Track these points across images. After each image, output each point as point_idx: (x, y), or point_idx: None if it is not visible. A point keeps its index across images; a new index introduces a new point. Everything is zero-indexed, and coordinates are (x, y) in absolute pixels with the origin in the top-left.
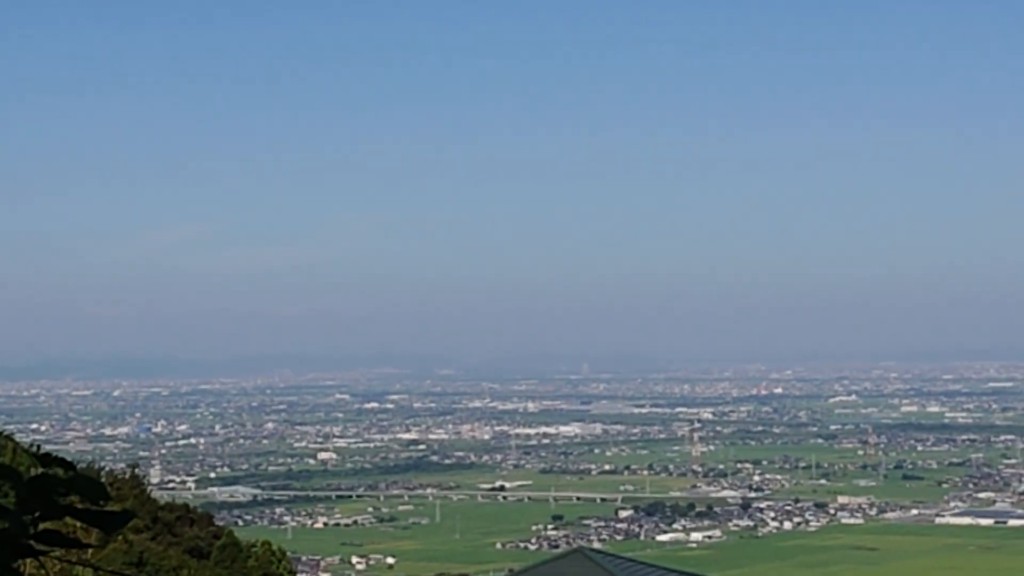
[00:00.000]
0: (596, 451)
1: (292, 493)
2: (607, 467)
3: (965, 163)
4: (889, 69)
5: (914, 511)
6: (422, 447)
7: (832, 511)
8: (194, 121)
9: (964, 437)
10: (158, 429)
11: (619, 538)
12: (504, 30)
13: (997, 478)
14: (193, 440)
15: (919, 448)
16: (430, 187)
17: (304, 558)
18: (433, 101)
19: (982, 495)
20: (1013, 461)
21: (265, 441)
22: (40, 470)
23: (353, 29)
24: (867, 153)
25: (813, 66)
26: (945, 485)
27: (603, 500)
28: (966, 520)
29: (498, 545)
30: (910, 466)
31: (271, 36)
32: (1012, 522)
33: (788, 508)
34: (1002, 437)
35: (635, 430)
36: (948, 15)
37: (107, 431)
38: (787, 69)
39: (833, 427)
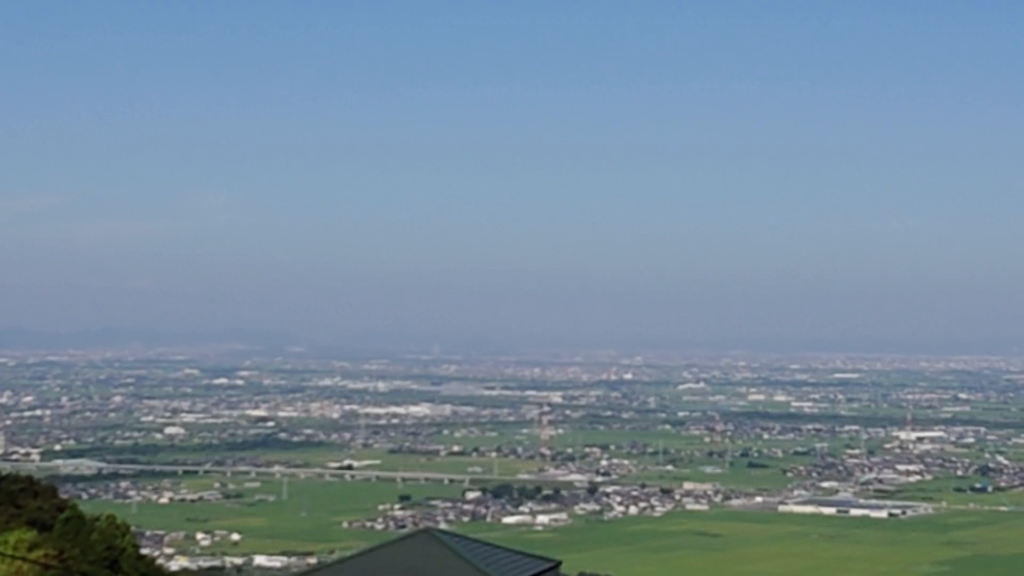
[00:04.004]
0: (445, 432)
1: (138, 467)
2: (456, 448)
3: (818, 161)
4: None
5: (758, 498)
6: (271, 424)
7: (678, 497)
8: (47, 90)
9: (810, 426)
10: (3, 400)
11: (466, 519)
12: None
13: (840, 467)
14: (39, 412)
15: (765, 436)
16: (285, 166)
17: (148, 533)
18: (294, 80)
19: (825, 484)
20: (856, 451)
21: (112, 414)
22: None
23: (213, 2)
24: (722, 149)
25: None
26: (790, 474)
27: (451, 481)
28: (809, 508)
29: (345, 524)
30: (756, 454)
31: (129, 5)
32: (854, 511)
33: (635, 493)
34: (847, 427)
35: (485, 412)
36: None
37: None
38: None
39: (681, 413)
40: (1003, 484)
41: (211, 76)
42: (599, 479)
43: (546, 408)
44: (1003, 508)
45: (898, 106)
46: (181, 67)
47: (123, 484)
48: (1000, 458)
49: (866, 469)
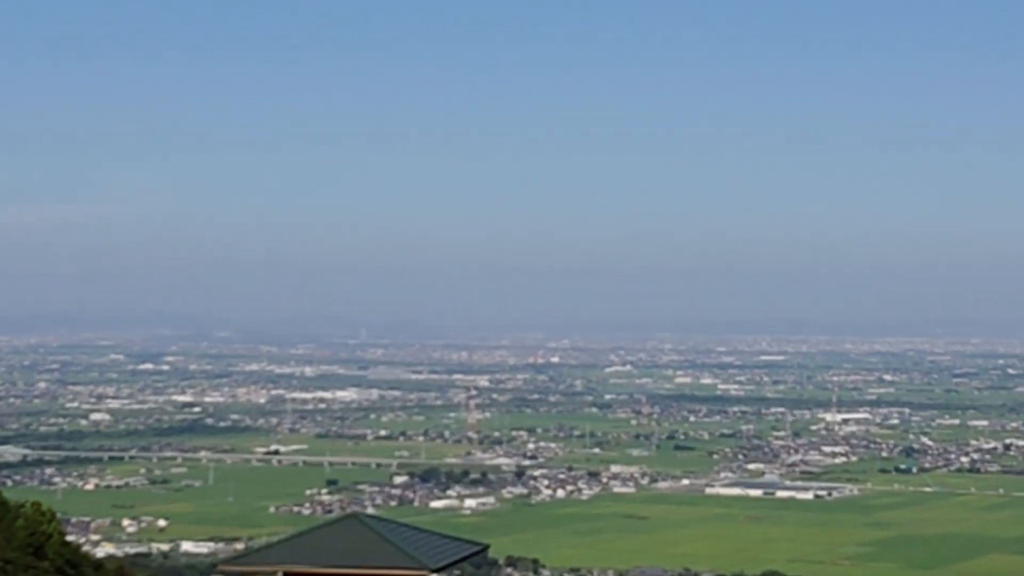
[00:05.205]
0: (372, 416)
1: (63, 454)
2: (383, 433)
3: (740, 146)
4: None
5: (685, 481)
6: (197, 409)
7: (605, 480)
8: None
9: (736, 409)
10: None
11: (393, 504)
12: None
13: (767, 450)
14: None
15: (692, 419)
16: (211, 148)
17: (74, 519)
18: (217, 63)
19: (751, 466)
20: (782, 433)
21: (37, 401)
22: None
23: None
24: (648, 133)
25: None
26: (716, 456)
27: (378, 466)
28: (736, 491)
29: (272, 509)
30: (682, 436)
31: None
32: (780, 493)
33: (562, 476)
34: (772, 409)
35: (412, 396)
36: None
37: None
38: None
39: (608, 396)
40: (927, 465)
41: (135, 57)
42: (526, 462)
43: (473, 392)
44: (927, 489)
45: (823, 90)
46: (104, 47)
47: (48, 471)
48: (924, 439)
49: (792, 451)
